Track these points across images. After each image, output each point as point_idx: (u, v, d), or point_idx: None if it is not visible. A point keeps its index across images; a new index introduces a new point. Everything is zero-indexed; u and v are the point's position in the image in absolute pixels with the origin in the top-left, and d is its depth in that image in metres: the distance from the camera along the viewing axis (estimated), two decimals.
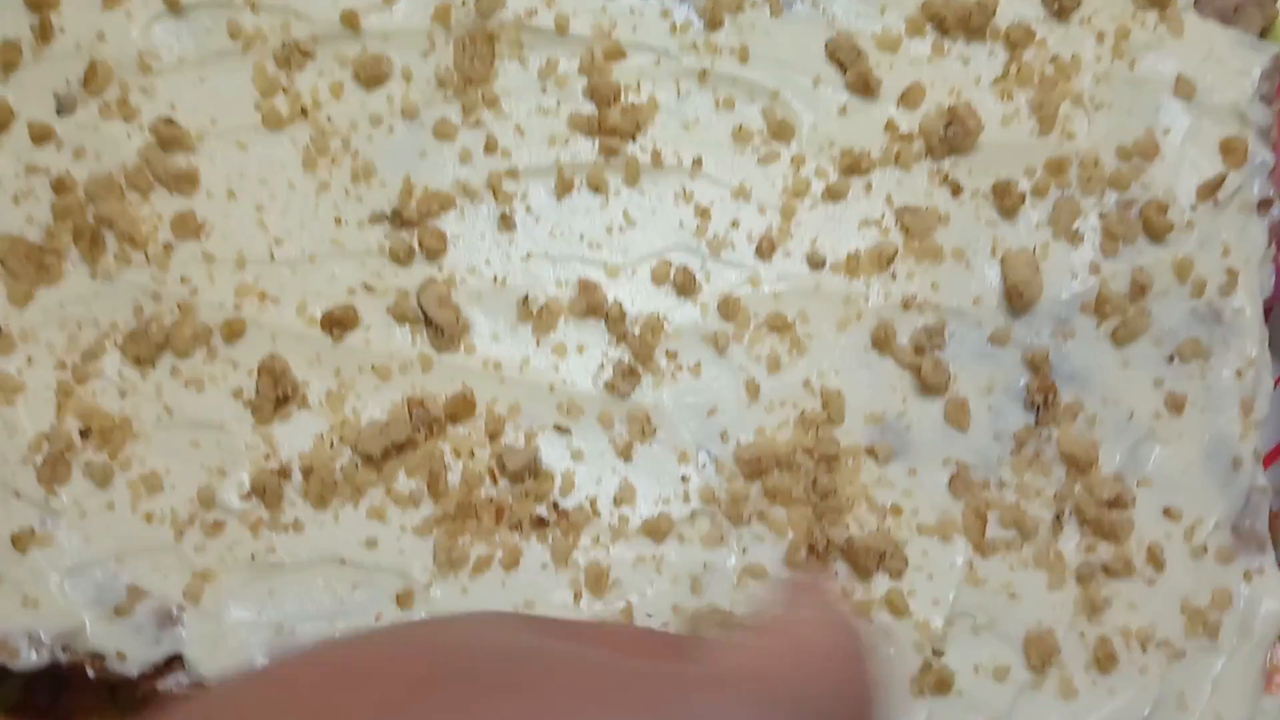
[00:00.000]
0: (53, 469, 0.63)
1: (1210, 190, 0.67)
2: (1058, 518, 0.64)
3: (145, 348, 0.65)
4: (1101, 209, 0.68)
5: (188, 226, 0.67)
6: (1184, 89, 0.69)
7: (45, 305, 0.66)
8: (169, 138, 0.67)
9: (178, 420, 0.64)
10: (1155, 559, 0.64)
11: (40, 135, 0.68)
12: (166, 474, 0.64)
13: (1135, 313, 0.66)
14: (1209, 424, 0.66)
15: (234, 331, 0.65)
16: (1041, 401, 0.65)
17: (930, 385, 0.65)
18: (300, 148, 0.68)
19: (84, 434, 0.64)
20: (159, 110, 0.68)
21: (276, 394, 0.64)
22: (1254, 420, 0.66)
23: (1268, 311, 0.69)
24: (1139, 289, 0.66)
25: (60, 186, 0.67)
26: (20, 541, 0.62)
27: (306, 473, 0.63)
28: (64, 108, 0.68)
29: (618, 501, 0.64)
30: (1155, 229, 0.67)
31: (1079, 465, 0.64)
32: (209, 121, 0.68)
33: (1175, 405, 0.66)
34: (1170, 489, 0.65)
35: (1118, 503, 0.64)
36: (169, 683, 0.62)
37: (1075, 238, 0.67)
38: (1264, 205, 0.69)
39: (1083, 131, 0.69)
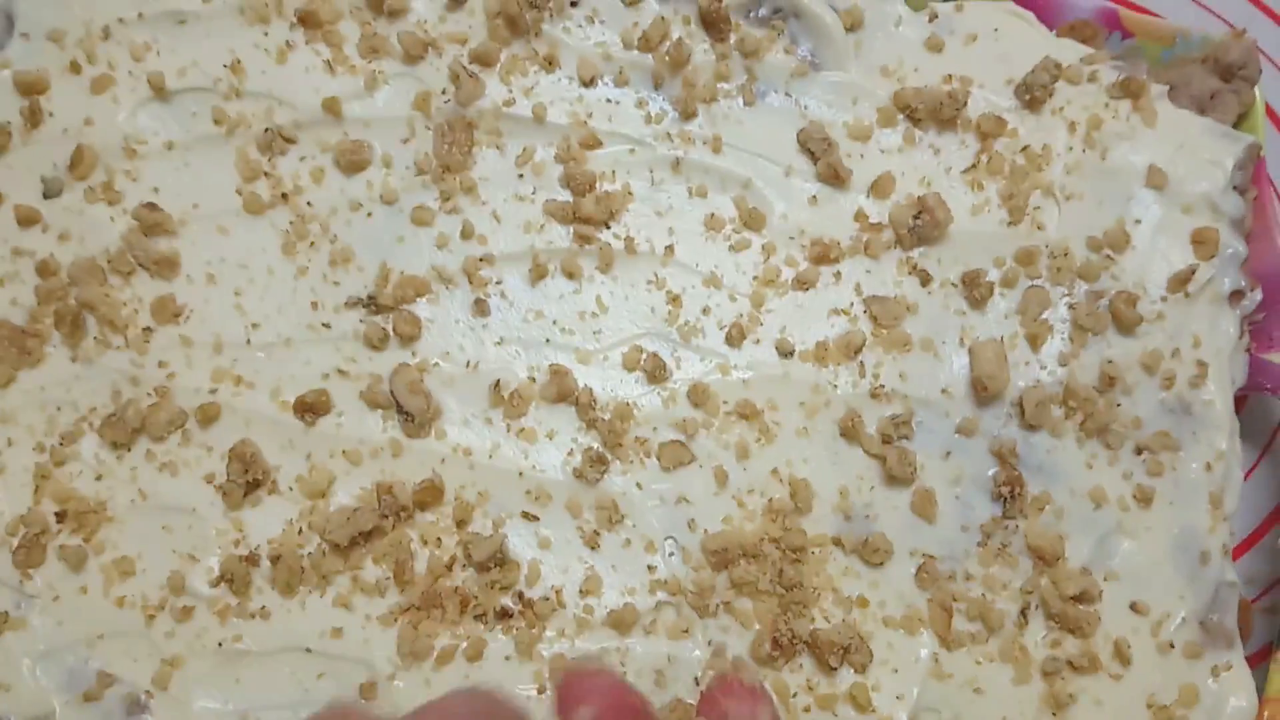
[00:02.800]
0: (28, 552, 0.64)
1: (1181, 282, 0.68)
2: (1024, 612, 0.64)
3: (122, 432, 0.66)
4: (1071, 300, 0.68)
5: (167, 310, 0.68)
6: (1156, 179, 0.69)
7: (26, 388, 0.67)
8: (151, 222, 0.69)
9: (151, 504, 0.65)
10: (1122, 654, 0.63)
11: (27, 218, 0.69)
12: (139, 558, 0.64)
13: (1104, 405, 0.66)
14: (1178, 517, 0.65)
15: (209, 416, 0.66)
16: (1009, 493, 0.65)
17: (897, 476, 0.65)
18: (280, 232, 0.69)
19: (60, 517, 0.65)
20: (142, 195, 0.70)
21: (247, 479, 0.65)
22: (1223, 514, 0.65)
23: (1240, 402, 0.69)
24: (1108, 381, 0.66)
25: (45, 270, 0.68)
26: None
27: (275, 559, 0.64)
28: (50, 191, 0.70)
29: (584, 592, 0.64)
30: (1125, 321, 0.67)
31: (1046, 558, 0.64)
32: (191, 206, 0.70)
33: (1144, 498, 0.65)
34: (1138, 583, 0.65)
35: (1084, 597, 0.64)
36: None
37: (1044, 329, 0.67)
38: (1235, 296, 0.69)
39: (1053, 222, 0.69)
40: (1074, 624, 0.63)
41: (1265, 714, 0.63)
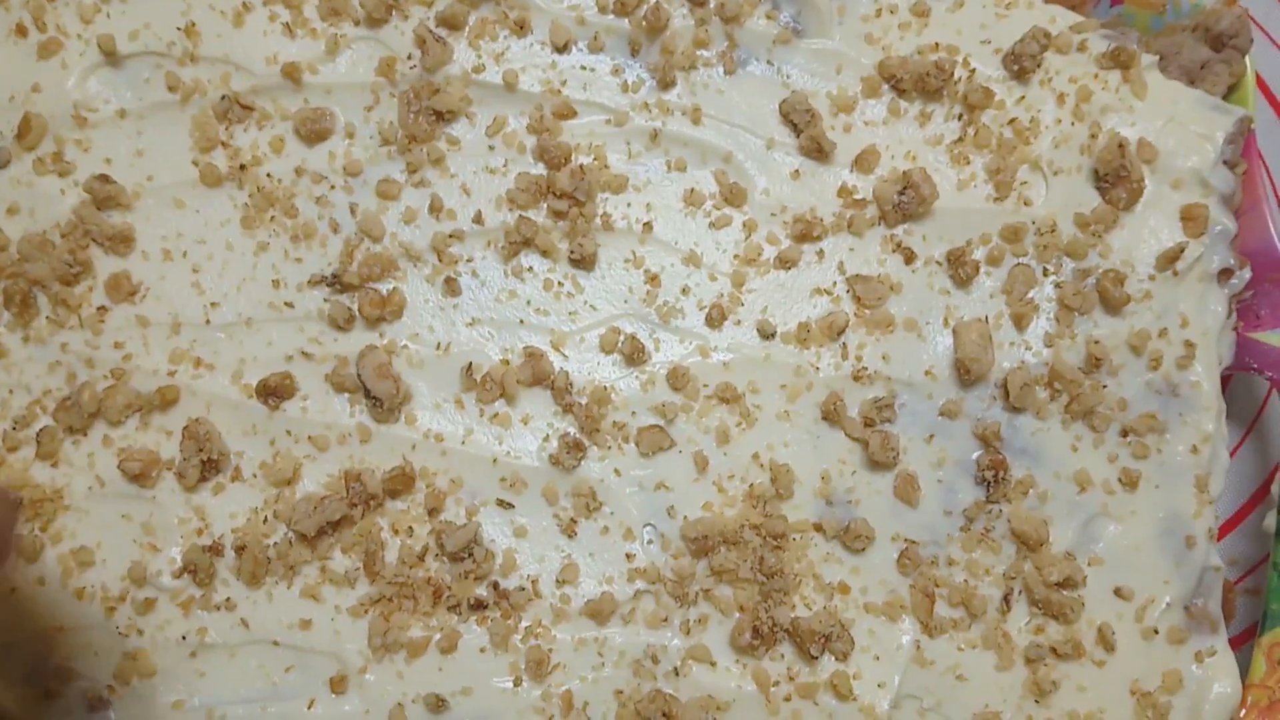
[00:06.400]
0: None
1: (1169, 260, 0.66)
2: (1006, 598, 0.63)
3: (77, 416, 0.63)
4: (1057, 279, 0.66)
5: (122, 288, 0.65)
6: (1146, 153, 0.67)
7: None
8: (104, 195, 0.65)
9: (110, 491, 0.63)
10: (1106, 640, 0.63)
11: None
12: (98, 548, 0.62)
13: (1090, 386, 0.65)
14: (1163, 501, 0.64)
15: (167, 400, 0.63)
16: (992, 477, 0.64)
17: (879, 460, 0.64)
18: (239, 206, 0.66)
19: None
20: (94, 166, 0.66)
21: (202, 458, 0.62)
22: (1209, 498, 0.64)
23: (1224, 381, 0.67)
24: (1094, 362, 0.65)
25: None
26: None
27: (239, 549, 0.62)
28: None
29: (560, 581, 0.62)
30: (1112, 300, 0.65)
31: (1029, 543, 0.63)
32: (145, 178, 0.66)
33: (1129, 481, 0.64)
34: (1122, 568, 0.64)
35: (1068, 583, 0.63)
36: None
37: (1030, 308, 0.66)
38: (1224, 274, 0.67)
39: (1040, 198, 0.67)
40: (1058, 610, 0.63)
41: (1248, 699, 0.63)
